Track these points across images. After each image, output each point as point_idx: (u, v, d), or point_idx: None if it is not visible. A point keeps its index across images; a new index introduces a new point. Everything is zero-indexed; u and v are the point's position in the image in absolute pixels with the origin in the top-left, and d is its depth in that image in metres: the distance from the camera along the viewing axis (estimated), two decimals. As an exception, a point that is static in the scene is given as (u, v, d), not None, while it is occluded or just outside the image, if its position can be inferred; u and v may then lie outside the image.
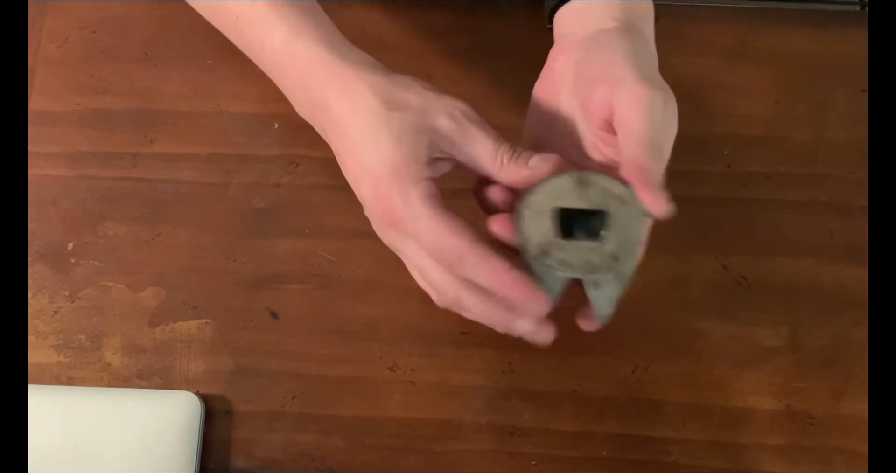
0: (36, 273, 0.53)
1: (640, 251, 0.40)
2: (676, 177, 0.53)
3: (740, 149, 0.53)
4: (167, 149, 0.55)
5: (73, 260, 0.53)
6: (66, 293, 0.53)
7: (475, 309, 0.41)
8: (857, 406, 0.50)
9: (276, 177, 0.54)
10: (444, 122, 0.40)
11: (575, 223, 0.40)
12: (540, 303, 0.39)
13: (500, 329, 0.41)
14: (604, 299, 0.40)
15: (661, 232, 0.53)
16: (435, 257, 0.40)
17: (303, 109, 0.46)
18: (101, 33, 0.57)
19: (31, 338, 0.52)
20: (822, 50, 0.55)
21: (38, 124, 0.55)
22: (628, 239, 0.39)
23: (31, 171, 0.54)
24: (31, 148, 0.55)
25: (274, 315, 0.52)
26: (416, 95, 0.41)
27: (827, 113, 0.54)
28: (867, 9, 0.56)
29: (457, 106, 0.41)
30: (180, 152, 0.55)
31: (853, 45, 0.55)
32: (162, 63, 0.56)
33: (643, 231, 0.40)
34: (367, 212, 0.43)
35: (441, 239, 0.39)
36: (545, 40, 0.57)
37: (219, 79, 0.56)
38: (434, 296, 0.43)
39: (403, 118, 0.40)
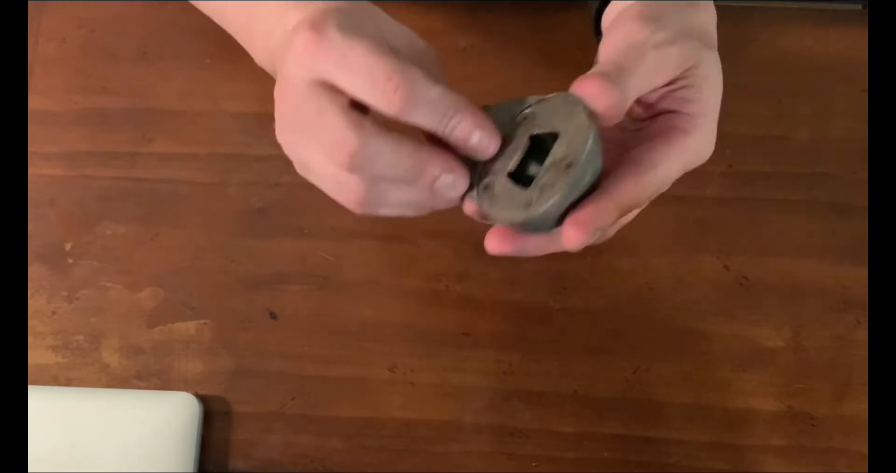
0: (34, 273, 0.53)
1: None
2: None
3: (742, 148, 0.53)
4: (165, 148, 0.54)
5: (71, 261, 0.53)
6: (65, 293, 0.53)
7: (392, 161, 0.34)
8: (859, 406, 0.50)
9: (275, 177, 0.54)
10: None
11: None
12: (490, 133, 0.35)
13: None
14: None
15: (662, 232, 0.53)
16: (377, 87, 0.33)
17: (262, 56, 0.43)
18: (100, 32, 0.57)
19: (28, 339, 0.52)
20: (824, 49, 0.55)
21: (36, 124, 0.55)
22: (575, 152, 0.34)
23: (30, 171, 0.54)
24: (29, 147, 0.55)
25: (273, 315, 0.52)
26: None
27: (829, 112, 0.54)
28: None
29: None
30: (179, 152, 0.54)
31: (855, 45, 0.54)
32: (160, 62, 0.56)
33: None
34: (282, 100, 0.37)
35: (387, 62, 0.33)
36: (544, 39, 0.57)
37: (217, 79, 0.55)
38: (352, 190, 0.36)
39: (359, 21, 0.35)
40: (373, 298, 0.52)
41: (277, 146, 0.54)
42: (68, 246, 0.53)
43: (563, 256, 0.52)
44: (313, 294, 0.52)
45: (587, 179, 0.34)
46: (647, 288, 0.51)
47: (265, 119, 0.55)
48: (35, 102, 0.56)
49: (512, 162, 0.35)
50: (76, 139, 0.55)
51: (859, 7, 0.56)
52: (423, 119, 0.34)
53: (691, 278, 0.51)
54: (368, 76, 0.33)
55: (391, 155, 0.34)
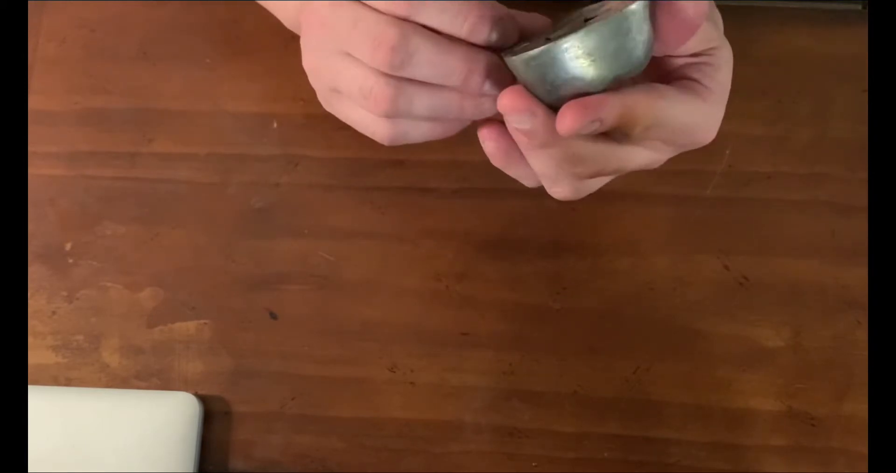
0: (34, 273, 0.53)
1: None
2: (677, 177, 0.53)
3: (742, 148, 0.53)
4: (165, 148, 0.54)
5: (71, 261, 0.53)
6: (65, 293, 0.52)
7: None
8: (859, 406, 0.49)
9: (276, 177, 0.54)
10: None
11: None
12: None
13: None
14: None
15: (662, 232, 0.53)
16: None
17: (291, 19, 0.44)
18: (100, 32, 0.57)
19: (29, 339, 0.52)
20: (824, 49, 0.55)
21: (36, 123, 0.55)
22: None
23: (29, 171, 0.54)
24: (29, 147, 0.55)
25: (273, 315, 0.52)
26: None
27: (829, 112, 0.54)
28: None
29: None
30: (179, 152, 0.54)
31: (855, 45, 0.54)
32: (160, 62, 0.56)
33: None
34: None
35: None
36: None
37: (217, 79, 0.55)
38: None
39: None
40: (373, 298, 0.52)
41: (277, 146, 0.55)
42: (68, 247, 0.53)
43: (563, 256, 0.52)
44: (313, 294, 0.52)
45: (610, 45, 0.32)
46: (647, 288, 0.51)
47: (265, 119, 0.55)
48: (35, 102, 0.55)
49: (556, 33, 0.34)
50: (76, 139, 0.55)
51: (859, 7, 0.55)
52: (435, 18, 0.34)
53: (691, 278, 0.51)
54: None
55: (432, 50, 0.34)
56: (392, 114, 0.36)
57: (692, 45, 0.36)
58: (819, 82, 0.54)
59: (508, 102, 0.34)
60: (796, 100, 0.54)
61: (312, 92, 0.55)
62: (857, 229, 0.52)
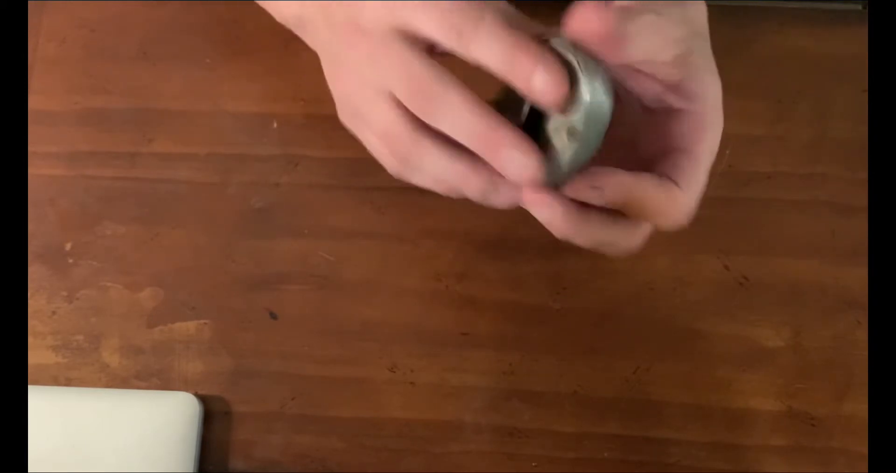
0: (34, 273, 0.53)
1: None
2: (677, 177, 0.53)
3: (741, 148, 0.53)
4: (165, 148, 0.54)
5: (71, 261, 0.53)
6: (64, 293, 0.52)
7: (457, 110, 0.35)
8: (860, 406, 0.49)
9: (276, 177, 0.54)
10: None
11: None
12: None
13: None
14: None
15: (662, 232, 0.53)
16: (444, 18, 0.35)
17: (288, 15, 0.44)
18: (100, 32, 0.57)
19: (29, 339, 0.52)
20: (825, 49, 0.55)
21: (35, 123, 0.55)
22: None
23: (30, 171, 0.54)
24: (29, 147, 0.55)
25: (273, 315, 0.52)
26: None
27: (829, 112, 0.54)
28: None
29: None
30: (179, 152, 0.54)
31: (855, 45, 0.54)
32: (161, 62, 0.56)
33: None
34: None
35: None
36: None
37: (218, 79, 0.55)
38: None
39: None
40: (373, 298, 0.52)
41: (277, 146, 0.55)
42: (68, 247, 0.53)
43: (563, 256, 0.52)
44: (313, 294, 0.52)
45: (592, 144, 0.35)
46: (647, 288, 0.51)
47: (265, 119, 0.55)
48: (35, 102, 0.55)
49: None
50: (76, 139, 0.55)
51: (859, 7, 0.56)
52: (486, 52, 0.34)
53: (691, 278, 0.51)
54: (437, 8, 0.35)
55: (461, 103, 0.35)
56: (402, 162, 0.38)
57: (659, 44, 0.36)
58: (819, 82, 0.54)
59: (528, 197, 0.37)
60: (796, 100, 0.54)
61: (312, 92, 0.55)
62: (857, 229, 0.52)
